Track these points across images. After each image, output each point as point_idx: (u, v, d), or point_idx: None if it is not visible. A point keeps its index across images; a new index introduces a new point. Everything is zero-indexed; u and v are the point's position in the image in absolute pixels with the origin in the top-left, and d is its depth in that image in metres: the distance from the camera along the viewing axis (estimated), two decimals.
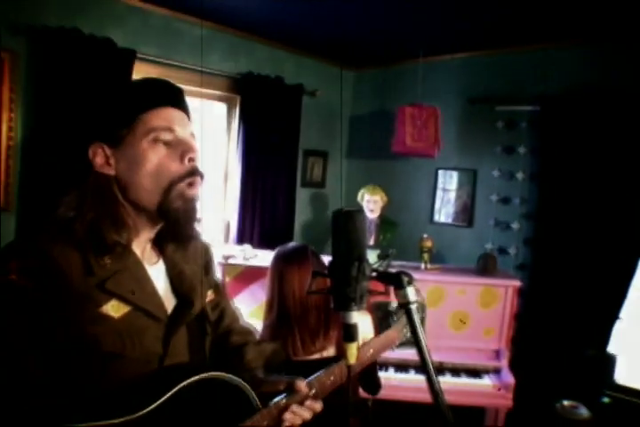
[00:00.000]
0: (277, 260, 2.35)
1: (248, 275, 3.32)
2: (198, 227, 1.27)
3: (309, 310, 2.23)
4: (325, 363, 2.22)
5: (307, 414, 1.34)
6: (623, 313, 3.57)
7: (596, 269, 3.63)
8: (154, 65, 3.67)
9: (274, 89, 4.38)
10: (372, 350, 1.69)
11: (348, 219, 1.00)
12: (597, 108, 3.63)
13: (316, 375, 1.44)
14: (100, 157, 1.19)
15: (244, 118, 4.24)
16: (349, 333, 1.04)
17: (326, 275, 1.02)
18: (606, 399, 3.47)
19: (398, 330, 1.85)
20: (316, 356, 2.24)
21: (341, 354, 2.23)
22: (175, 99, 1.25)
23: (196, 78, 3.95)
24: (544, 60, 4.04)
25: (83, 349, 1.06)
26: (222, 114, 4.39)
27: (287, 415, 1.30)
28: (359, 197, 4.31)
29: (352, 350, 1.05)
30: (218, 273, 1.52)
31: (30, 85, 3.14)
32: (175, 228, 1.22)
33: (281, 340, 2.25)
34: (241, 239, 4.22)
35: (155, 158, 1.17)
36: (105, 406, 1.05)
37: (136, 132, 1.17)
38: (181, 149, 1.18)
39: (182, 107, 1.26)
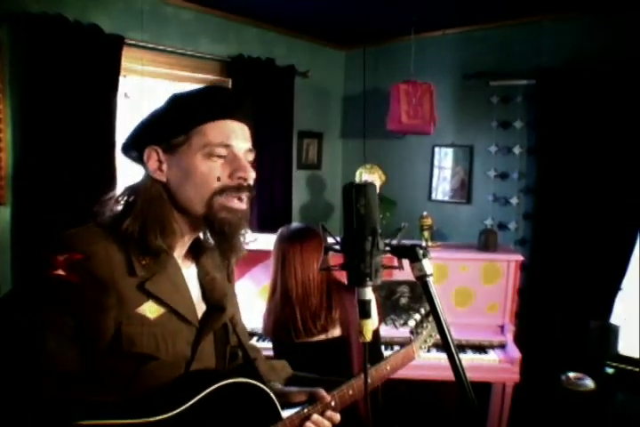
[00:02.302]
0: (280, 240, 2.34)
1: (248, 259, 3.28)
2: (244, 240, 1.28)
3: (311, 292, 2.22)
4: (330, 344, 2.23)
5: (327, 425, 1.36)
6: (625, 284, 3.59)
7: (596, 242, 3.63)
8: (143, 50, 3.61)
9: (265, 71, 4.32)
10: (389, 367, 1.69)
11: (359, 192, 0.98)
12: (593, 80, 3.60)
13: (337, 388, 1.45)
14: (153, 161, 1.20)
15: None
16: (364, 309, 1.02)
17: (339, 250, 1.00)
18: (610, 370, 3.49)
19: (416, 347, 1.85)
20: (322, 337, 2.23)
21: (346, 334, 2.23)
22: (237, 110, 1.24)
23: (186, 63, 3.91)
24: (538, 34, 3.99)
25: (118, 349, 1.07)
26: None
27: (308, 425, 1.32)
28: (357, 177, 4.28)
29: (367, 327, 1.03)
30: None
31: (16, 75, 3.06)
32: (220, 238, 1.23)
33: (283, 321, 2.25)
34: None
35: (205, 170, 1.17)
36: (134, 407, 1.06)
37: (192, 143, 1.17)
38: (234, 165, 1.19)
39: (245, 119, 1.25)
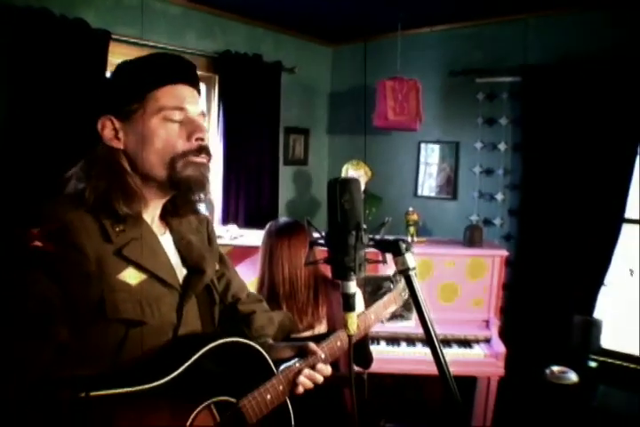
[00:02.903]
0: (268, 235, 2.34)
1: (235, 255, 3.30)
2: (207, 196, 1.28)
3: (298, 287, 2.23)
4: (317, 340, 2.24)
5: (319, 378, 1.39)
6: (608, 280, 3.64)
7: (580, 238, 3.67)
8: (129, 46, 3.58)
9: (252, 67, 4.31)
10: (373, 316, 1.69)
11: (344, 188, 0.99)
12: (578, 77, 3.63)
13: (324, 341, 1.47)
14: (108, 129, 1.20)
15: (223, 98, 4.18)
16: (348, 302, 1.04)
17: (324, 244, 1.02)
18: (593, 364, 3.54)
19: (397, 293, 1.85)
20: (308, 333, 2.24)
21: (333, 331, 2.24)
22: (187, 75, 1.25)
23: None
24: (524, 31, 4.02)
25: (103, 316, 1.07)
26: (201, 94, 4.33)
27: (301, 378, 1.35)
28: (343, 173, 4.30)
29: (352, 320, 1.05)
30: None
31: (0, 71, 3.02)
32: (187, 196, 1.23)
33: None
34: (226, 220, 4.20)
35: (163, 135, 1.18)
36: (128, 376, 1.06)
37: (146, 109, 1.18)
38: (190, 128, 1.20)
39: (194, 83, 1.27)
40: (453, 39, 4.44)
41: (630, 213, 3.60)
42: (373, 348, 2.32)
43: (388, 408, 3.29)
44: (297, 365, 1.36)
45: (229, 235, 3.40)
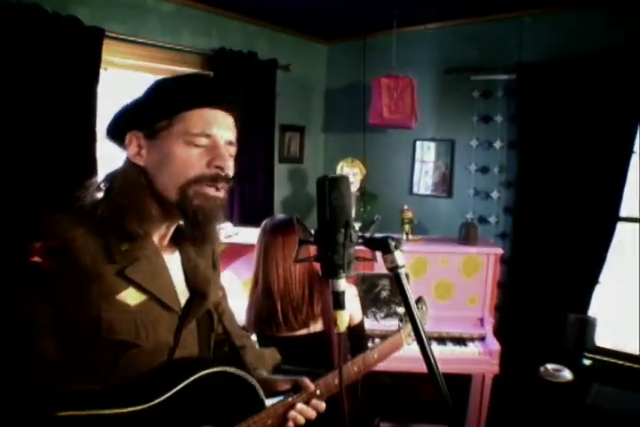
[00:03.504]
0: (263, 232, 2.33)
1: (230, 253, 3.31)
2: (219, 229, 1.29)
3: (292, 286, 2.22)
4: (312, 338, 2.23)
5: (311, 414, 1.35)
6: (602, 278, 3.64)
7: (575, 236, 3.67)
8: (123, 43, 3.57)
9: (247, 64, 4.30)
10: (376, 355, 1.68)
11: (333, 185, 0.99)
12: (573, 75, 3.63)
13: (320, 377, 1.43)
14: (133, 145, 1.19)
15: None
16: (338, 300, 1.03)
17: (313, 242, 1.01)
18: (587, 361, 3.55)
19: (404, 335, 1.85)
20: (304, 331, 2.24)
21: (328, 329, 2.24)
22: (220, 99, 1.23)
23: (168, 56, 3.88)
24: (519, 29, 4.00)
25: (97, 336, 1.06)
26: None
27: (292, 414, 1.30)
28: (338, 171, 4.30)
29: (342, 318, 1.04)
30: None
31: None
32: (194, 226, 1.21)
33: (264, 314, 2.25)
34: None
35: (183, 158, 1.16)
36: (114, 396, 1.05)
37: (173, 130, 1.17)
38: (212, 154, 1.18)
39: (229, 109, 1.25)
40: (449, 37, 4.43)
41: (626, 211, 3.60)
42: (369, 344, 2.33)
43: (384, 407, 3.29)
44: (289, 399, 1.32)
45: (224, 233, 3.39)
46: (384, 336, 3.15)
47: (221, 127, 1.21)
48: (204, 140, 1.18)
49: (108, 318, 1.07)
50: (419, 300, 1.91)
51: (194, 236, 1.25)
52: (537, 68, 3.81)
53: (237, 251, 3.30)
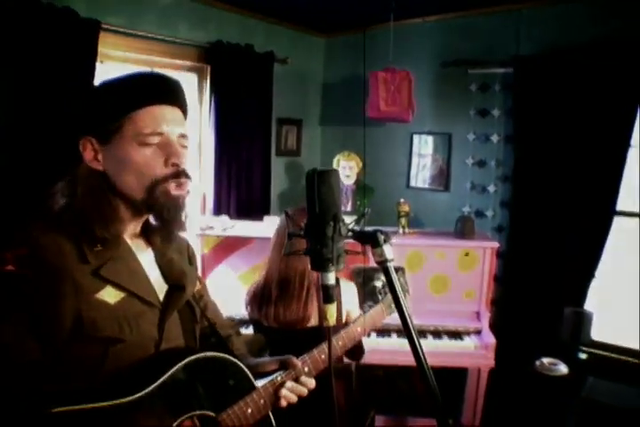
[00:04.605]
0: (280, 220, 2.33)
1: (226, 246, 3.31)
2: (185, 223, 1.28)
3: (291, 279, 2.21)
4: (309, 332, 2.22)
5: (302, 391, 1.39)
6: (598, 272, 3.64)
7: (571, 230, 3.67)
8: (120, 36, 3.55)
9: (244, 57, 4.29)
10: (359, 329, 1.69)
11: (321, 178, 0.99)
12: (571, 68, 3.62)
13: (308, 353, 1.47)
14: (88, 150, 1.19)
15: (215, 88, 4.16)
16: (327, 294, 1.03)
17: (302, 236, 1.01)
18: (583, 355, 3.55)
19: (385, 306, 1.85)
20: (298, 326, 2.23)
21: (322, 324, 2.23)
22: (168, 95, 1.23)
23: (165, 49, 3.86)
24: (517, 22, 3.99)
25: (82, 335, 1.08)
26: (193, 84, 4.30)
27: (283, 392, 1.35)
28: (334, 164, 4.30)
29: (331, 311, 1.04)
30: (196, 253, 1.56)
31: None
32: (161, 223, 1.24)
33: (258, 295, 2.24)
34: (218, 210, 4.20)
35: (140, 160, 1.17)
36: (105, 390, 1.07)
37: (124, 132, 1.17)
38: (166, 152, 1.19)
39: (176, 102, 1.24)
40: (446, 30, 4.41)
41: (622, 205, 3.60)
42: (364, 339, 2.33)
43: (379, 400, 3.30)
44: (279, 378, 1.36)
45: (221, 226, 3.39)
46: (380, 330, 3.18)
47: (171, 123, 1.20)
48: (156, 139, 1.18)
49: (90, 316, 1.08)
50: (398, 269, 1.90)
51: (162, 232, 1.28)
52: (534, 62, 3.80)
53: (233, 244, 3.31)
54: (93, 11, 3.34)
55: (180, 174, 1.20)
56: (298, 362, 1.41)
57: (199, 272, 1.55)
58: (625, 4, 3.45)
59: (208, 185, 4.26)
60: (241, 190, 4.39)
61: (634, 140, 3.49)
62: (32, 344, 1.04)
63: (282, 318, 2.18)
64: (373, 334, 3.17)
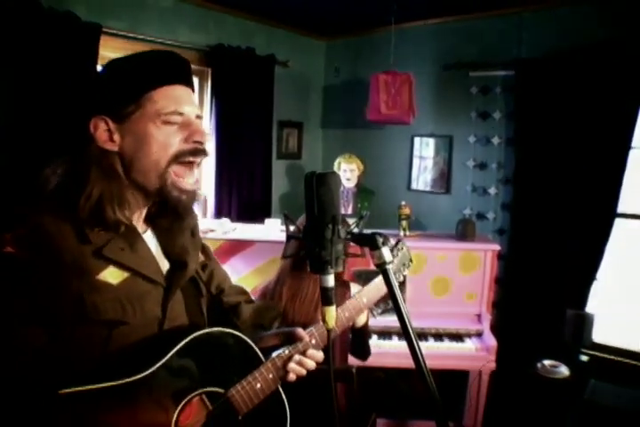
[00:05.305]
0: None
1: (227, 248, 3.31)
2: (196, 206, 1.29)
3: (302, 280, 2.20)
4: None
5: (310, 363, 1.37)
6: (600, 274, 3.64)
7: (572, 233, 3.67)
8: (121, 39, 3.56)
9: (245, 60, 4.30)
10: (365, 300, 1.66)
11: (320, 181, 0.99)
12: (571, 71, 3.62)
13: (314, 326, 1.44)
14: (101, 130, 1.15)
15: (216, 91, 4.16)
16: (326, 296, 1.03)
17: (301, 238, 1.01)
18: (585, 358, 3.55)
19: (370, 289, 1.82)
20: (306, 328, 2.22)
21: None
22: (183, 75, 1.22)
23: None
24: (518, 25, 4.00)
25: (85, 318, 1.06)
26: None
27: (292, 365, 1.33)
28: (335, 167, 4.30)
29: (330, 314, 1.04)
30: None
31: None
32: (173, 211, 1.23)
33: (270, 291, 2.24)
34: (219, 213, 4.20)
35: (162, 138, 1.15)
36: (112, 371, 1.06)
37: (144, 112, 1.15)
38: (189, 131, 1.18)
39: (189, 83, 1.24)
40: (447, 33, 4.42)
41: (623, 207, 3.60)
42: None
43: (380, 402, 3.29)
44: (286, 352, 1.34)
45: (222, 228, 3.40)
46: (381, 332, 3.18)
47: (189, 103, 1.20)
48: (178, 118, 1.17)
49: (91, 299, 1.06)
50: (397, 242, 1.88)
51: (175, 222, 1.28)
52: (535, 65, 3.81)
53: (235, 247, 3.30)
54: (94, 15, 3.36)
55: (198, 152, 1.19)
56: (305, 335, 1.39)
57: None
58: (625, 7, 3.45)
59: (209, 188, 4.26)
60: (242, 193, 4.39)
61: (635, 142, 3.49)
62: (35, 329, 1.03)
63: (290, 319, 2.18)
64: (375, 337, 3.17)
